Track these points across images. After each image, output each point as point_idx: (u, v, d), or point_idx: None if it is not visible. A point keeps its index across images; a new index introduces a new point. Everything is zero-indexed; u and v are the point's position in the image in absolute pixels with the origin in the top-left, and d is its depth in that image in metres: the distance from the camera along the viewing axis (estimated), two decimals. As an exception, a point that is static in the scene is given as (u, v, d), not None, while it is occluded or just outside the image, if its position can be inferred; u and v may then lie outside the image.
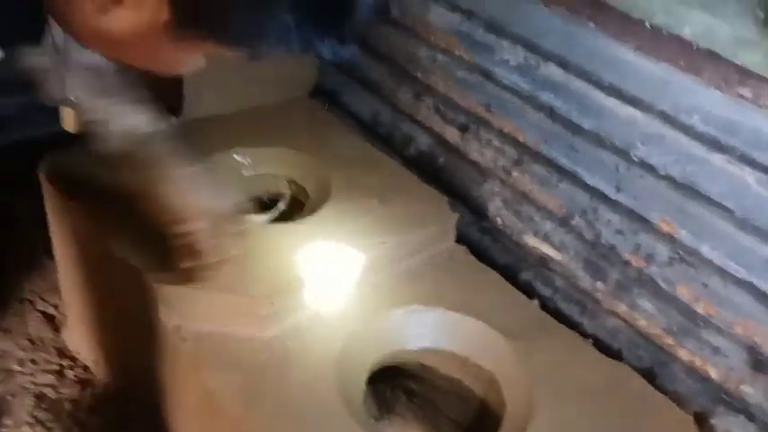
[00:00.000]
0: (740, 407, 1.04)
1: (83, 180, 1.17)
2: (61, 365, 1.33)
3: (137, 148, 0.97)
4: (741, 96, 0.94)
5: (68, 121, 1.08)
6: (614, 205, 1.14)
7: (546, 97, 1.18)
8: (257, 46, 0.62)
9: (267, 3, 0.59)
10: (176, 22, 0.60)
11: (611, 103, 1.10)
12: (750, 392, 1.03)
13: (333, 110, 1.53)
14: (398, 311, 1.10)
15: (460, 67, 1.31)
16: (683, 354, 1.09)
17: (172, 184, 0.97)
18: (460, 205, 1.32)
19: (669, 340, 1.10)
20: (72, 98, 0.96)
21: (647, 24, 1.01)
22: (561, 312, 1.22)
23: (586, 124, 1.14)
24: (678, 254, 1.07)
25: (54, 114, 1.11)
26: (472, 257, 1.23)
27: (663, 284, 1.10)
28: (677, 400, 1.06)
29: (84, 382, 1.31)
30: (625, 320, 1.16)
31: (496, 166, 1.29)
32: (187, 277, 1.01)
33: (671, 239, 1.07)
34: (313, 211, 1.21)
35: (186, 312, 1.02)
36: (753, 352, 1.01)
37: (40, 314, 1.42)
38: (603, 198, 1.15)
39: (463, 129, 1.34)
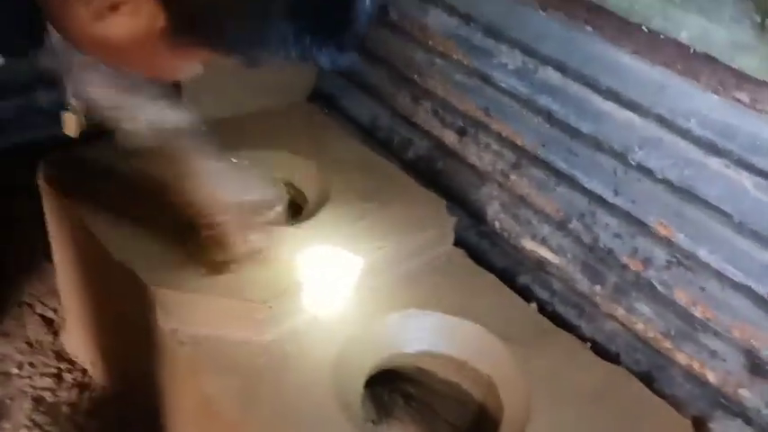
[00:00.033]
0: (738, 411, 1.04)
1: (82, 182, 1.17)
2: (59, 369, 1.33)
3: (164, 144, 0.98)
4: (738, 100, 0.94)
5: (70, 126, 1.08)
6: (612, 209, 1.14)
7: (544, 101, 1.19)
8: (254, 53, 0.62)
9: (264, 11, 0.59)
10: (173, 30, 0.60)
11: (608, 106, 1.10)
12: (748, 396, 1.03)
13: (331, 114, 1.53)
14: (396, 315, 1.10)
15: (459, 71, 1.31)
16: (681, 357, 1.09)
17: (200, 178, 0.99)
18: (459, 209, 1.32)
19: (667, 344, 1.10)
20: (72, 102, 0.97)
21: (644, 28, 1.01)
22: (559, 316, 1.22)
23: (584, 128, 1.14)
24: (676, 257, 1.07)
25: (53, 117, 1.11)
26: (470, 261, 1.23)
27: (660, 288, 1.10)
28: (675, 404, 1.06)
29: (82, 386, 1.31)
30: (623, 324, 1.16)
31: (495, 169, 1.30)
32: (217, 269, 1.03)
33: (668, 243, 1.07)
34: (311, 214, 1.21)
35: (184, 316, 1.02)
36: (750, 356, 1.01)
37: (38, 317, 1.42)
38: (601, 201, 1.15)
39: (461, 132, 1.34)
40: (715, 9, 0.93)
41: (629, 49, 1.05)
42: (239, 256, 1.04)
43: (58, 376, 1.32)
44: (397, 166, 1.38)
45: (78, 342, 1.34)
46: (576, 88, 1.13)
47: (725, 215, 1.00)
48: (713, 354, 1.05)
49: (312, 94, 1.57)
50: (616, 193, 1.12)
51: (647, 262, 1.11)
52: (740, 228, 0.99)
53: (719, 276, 1.02)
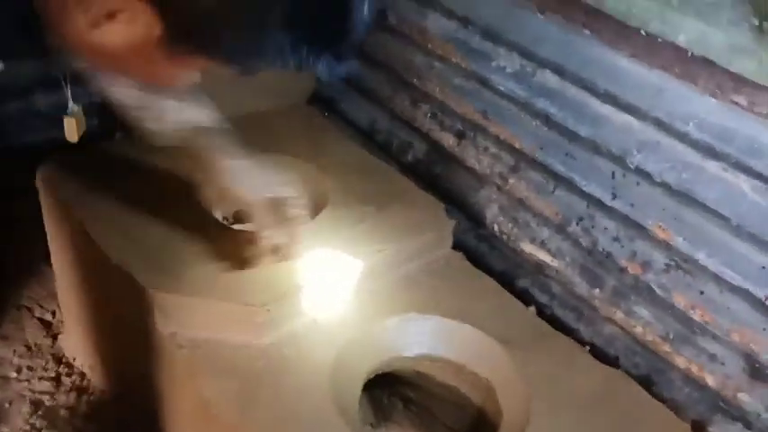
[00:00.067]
0: (737, 415, 1.04)
1: (81, 185, 1.17)
2: (58, 372, 1.33)
3: (189, 143, 0.99)
4: (736, 104, 0.94)
5: (71, 131, 1.08)
6: (610, 212, 1.14)
7: (542, 104, 1.19)
8: (251, 63, 0.62)
9: (261, 21, 0.59)
10: (170, 38, 0.60)
11: (606, 110, 1.10)
12: (747, 400, 1.02)
13: (331, 117, 1.53)
14: (395, 318, 1.10)
15: (457, 75, 1.32)
16: (680, 361, 1.09)
17: (226, 175, 1.01)
18: (457, 212, 1.32)
19: (666, 347, 1.10)
20: (74, 108, 0.97)
21: (642, 32, 1.01)
22: (558, 319, 1.22)
23: (582, 131, 1.14)
24: (674, 261, 1.07)
25: (52, 121, 1.11)
26: (469, 264, 1.23)
27: (659, 291, 1.10)
28: (674, 407, 1.06)
29: (80, 389, 1.31)
30: (622, 327, 1.16)
31: (493, 172, 1.30)
32: (245, 264, 1.05)
33: (667, 246, 1.07)
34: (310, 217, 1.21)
35: (182, 319, 1.02)
36: (750, 360, 1.01)
37: (37, 321, 1.41)
38: (600, 205, 1.15)
39: (460, 136, 1.35)
40: (713, 12, 0.93)
41: (626, 53, 1.05)
42: (263, 252, 1.06)
43: (56, 379, 1.32)
44: (395, 169, 1.38)
45: (77, 345, 1.34)
46: (574, 91, 1.14)
47: (723, 218, 1.00)
48: (712, 357, 1.05)
49: (311, 96, 1.58)
50: (614, 196, 1.12)
51: (645, 265, 1.11)
52: (738, 231, 0.99)
53: (718, 280, 1.02)
